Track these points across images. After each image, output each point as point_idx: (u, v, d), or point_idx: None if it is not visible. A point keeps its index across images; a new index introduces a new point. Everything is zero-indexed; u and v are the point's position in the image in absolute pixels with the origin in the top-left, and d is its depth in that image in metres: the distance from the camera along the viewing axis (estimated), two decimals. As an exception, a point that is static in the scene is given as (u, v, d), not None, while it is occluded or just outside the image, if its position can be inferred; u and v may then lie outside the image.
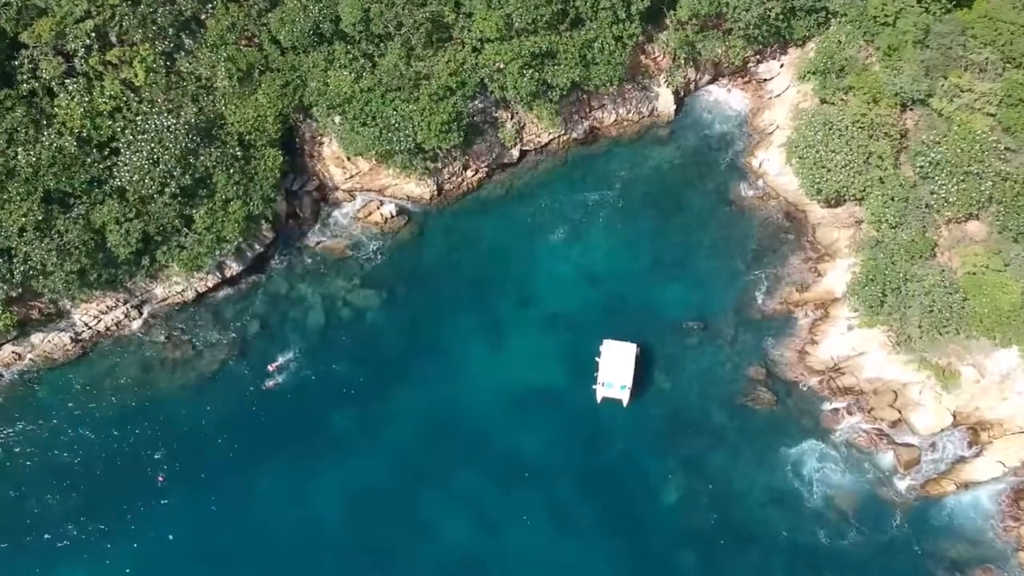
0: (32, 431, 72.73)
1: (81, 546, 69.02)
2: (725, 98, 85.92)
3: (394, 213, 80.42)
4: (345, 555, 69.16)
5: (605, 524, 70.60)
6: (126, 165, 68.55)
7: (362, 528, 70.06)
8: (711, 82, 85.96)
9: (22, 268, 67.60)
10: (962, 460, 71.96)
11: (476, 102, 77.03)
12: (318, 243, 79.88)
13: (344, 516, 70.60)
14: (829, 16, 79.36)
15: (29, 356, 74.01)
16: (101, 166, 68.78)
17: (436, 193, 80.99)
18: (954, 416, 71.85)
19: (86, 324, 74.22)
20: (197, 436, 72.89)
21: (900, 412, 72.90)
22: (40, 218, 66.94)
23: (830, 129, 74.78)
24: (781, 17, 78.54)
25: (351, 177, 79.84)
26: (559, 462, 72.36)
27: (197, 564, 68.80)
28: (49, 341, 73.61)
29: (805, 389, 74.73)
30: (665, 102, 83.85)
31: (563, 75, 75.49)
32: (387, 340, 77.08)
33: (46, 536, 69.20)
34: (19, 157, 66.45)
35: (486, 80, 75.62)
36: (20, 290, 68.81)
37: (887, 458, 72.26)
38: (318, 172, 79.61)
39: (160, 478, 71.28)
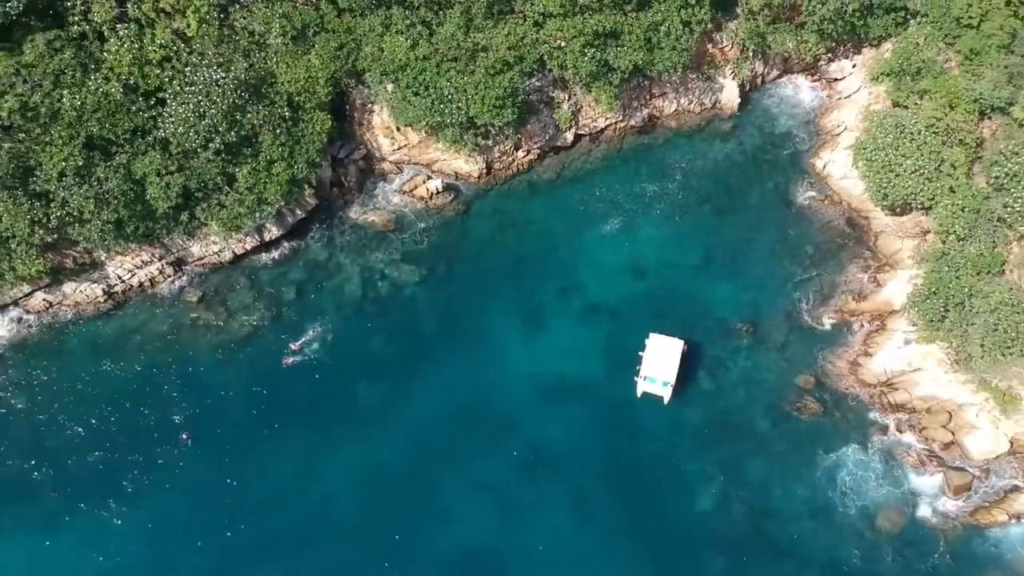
0: (59, 381, 71.44)
1: (102, 499, 67.56)
2: (792, 95, 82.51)
3: (440, 189, 78.15)
4: (359, 532, 67.15)
5: (633, 524, 67.75)
6: (171, 116, 66.82)
7: (380, 507, 67.91)
8: (779, 78, 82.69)
9: (59, 213, 66.22)
10: (1017, 490, 67.99)
11: (533, 80, 74.40)
12: (361, 214, 77.78)
13: (362, 493, 68.54)
14: (908, 16, 75.86)
15: (60, 305, 72.86)
16: (146, 115, 67.09)
17: (485, 172, 78.59)
18: (1011, 443, 67.95)
19: (120, 277, 72.81)
20: (223, 399, 71.20)
21: (954, 434, 69.15)
22: (80, 164, 65.47)
23: (901, 132, 71.30)
24: (858, 14, 75.14)
25: (399, 148, 77.67)
26: (590, 456, 69.61)
27: (213, 525, 67.01)
28: (81, 291, 72.31)
29: (854, 402, 71.26)
30: (729, 95, 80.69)
31: (626, 57, 72.67)
32: (423, 318, 74.83)
33: (68, 487, 67.81)
34: (64, 100, 64.98)
35: (545, 57, 72.99)
36: (55, 236, 67.43)
37: (936, 480, 68.57)
38: (366, 141, 77.50)
39: (184, 436, 69.69)
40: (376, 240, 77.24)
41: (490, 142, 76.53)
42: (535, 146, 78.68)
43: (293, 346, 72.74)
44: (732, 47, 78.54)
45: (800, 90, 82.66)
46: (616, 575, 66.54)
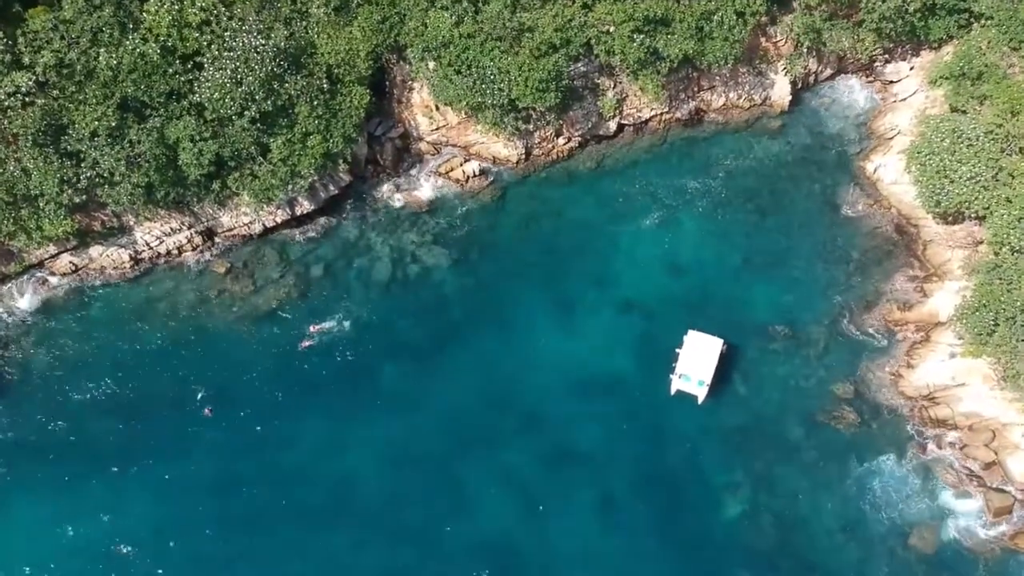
0: (81, 345, 70.32)
1: (121, 466, 66.53)
2: (845, 96, 79.67)
3: (477, 172, 76.24)
4: (379, 515, 65.39)
5: (656, 527, 65.51)
6: (208, 81, 65.40)
7: (400, 491, 66.18)
8: (832, 77, 79.89)
9: (89, 174, 65.05)
10: (1061, 516, 65.36)
11: (579, 64, 72.23)
12: (395, 193, 76.06)
13: (382, 477, 66.81)
14: (972, 18, 72.71)
15: (86, 269, 71.83)
16: (182, 79, 65.70)
17: (524, 157, 76.62)
18: (1058, 467, 65.33)
19: (147, 244, 71.62)
20: (247, 373, 69.74)
21: (996, 454, 66.22)
22: (113, 124, 64.19)
23: (959, 137, 68.35)
24: (919, 14, 72.22)
25: (438, 129, 75.87)
26: (617, 453, 67.40)
27: (231, 501, 65.78)
28: (108, 256, 71.22)
29: (893, 415, 68.53)
30: (780, 91, 78.11)
31: (676, 46, 70.36)
32: (452, 303, 72.97)
33: (86, 451, 66.70)
34: (100, 59, 63.84)
35: (593, 41, 70.79)
36: (84, 197, 66.29)
37: (975, 501, 65.66)
38: (404, 119, 75.76)
39: (207, 411, 68.45)
40: (409, 221, 75.53)
41: (530, 127, 74.51)
42: (576, 134, 76.61)
43: (314, 328, 71.16)
44: (786, 42, 75.95)
45: (853, 91, 79.79)
46: (634, 577, 64.95)
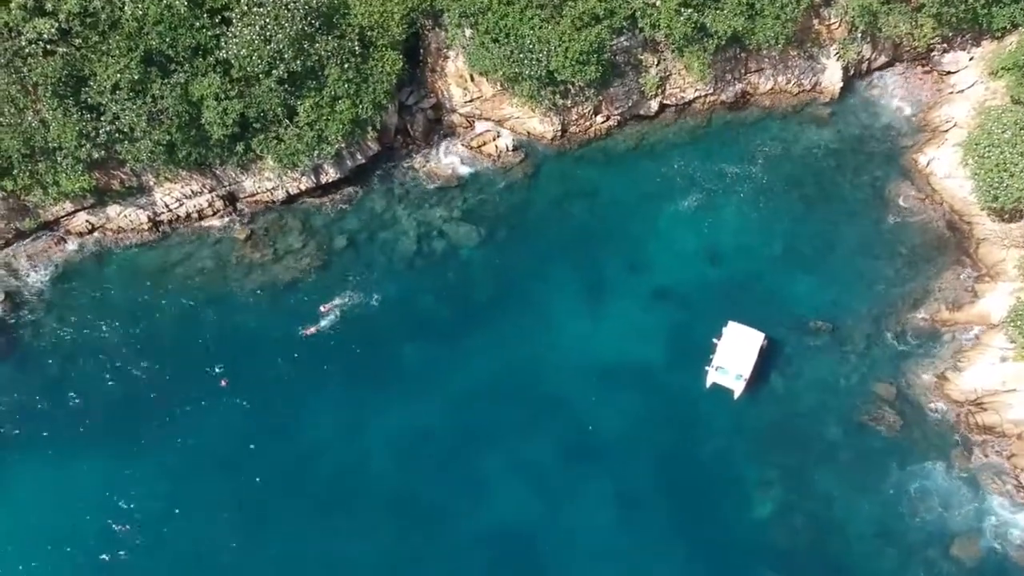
0: (95, 308, 68.02)
1: (131, 434, 64.18)
2: (899, 85, 75.97)
3: (510, 147, 73.39)
4: (393, 497, 62.61)
5: (680, 523, 62.29)
6: (235, 37, 62.70)
7: (416, 474, 63.41)
8: (887, 65, 76.17)
9: (108, 128, 62.55)
10: (1113, 533, 61.58)
11: (622, 38, 69.06)
12: (424, 166, 73.36)
13: (396, 459, 63.97)
14: (1039, 7, 69.44)
15: (103, 229, 69.66)
16: (209, 34, 63.03)
17: (559, 134, 73.61)
18: (1112, 481, 61.63)
19: (167, 206, 69.27)
20: (263, 344, 67.10)
21: (1047, 465, 62.99)
22: (136, 78, 61.60)
23: (1021, 130, 64.77)
24: (983, 1, 68.75)
25: (471, 101, 72.97)
26: (643, 445, 64.18)
27: (243, 475, 63.23)
28: (126, 216, 68.93)
29: (937, 419, 64.96)
30: (831, 77, 74.63)
31: (724, 22, 67.04)
32: (477, 281, 70.09)
33: (94, 420, 64.46)
34: (126, 8, 61.29)
35: (637, 14, 67.56)
36: (103, 153, 63.80)
37: (1022, 513, 62.34)
38: (437, 89, 72.93)
39: (223, 382, 65.96)
40: (437, 195, 72.72)
41: (568, 102, 71.47)
42: (615, 112, 73.51)
43: (334, 302, 68.49)
44: (840, 25, 72.37)
45: (908, 80, 76.05)
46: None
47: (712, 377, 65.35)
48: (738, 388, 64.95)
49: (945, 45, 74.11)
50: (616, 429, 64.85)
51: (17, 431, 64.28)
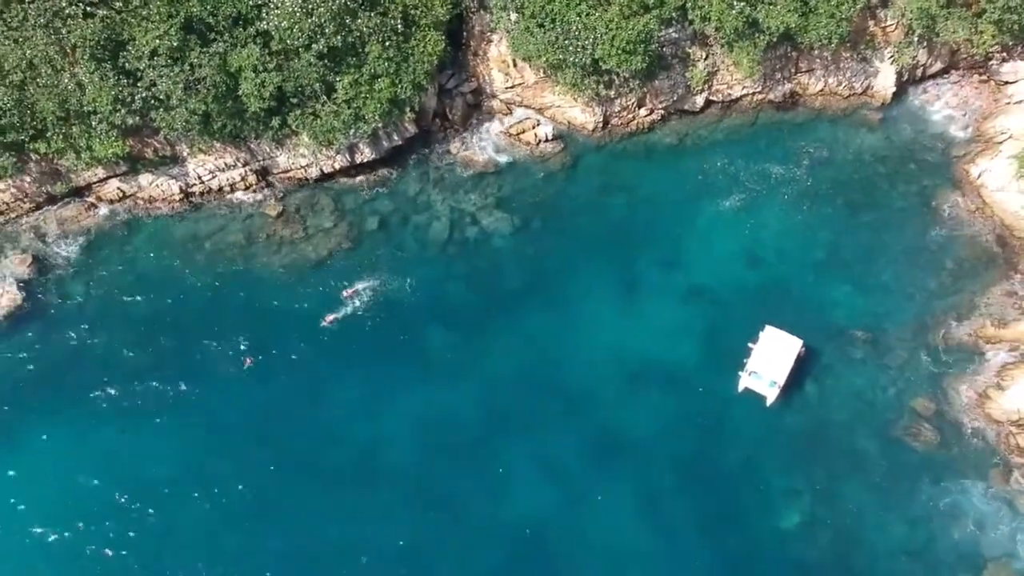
0: (121, 277, 67.36)
1: (152, 409, 62.99)
2: (954, 93, 73.76)
3: (550, 137, 71.89)
4: (407, 486, 61.22)
5: (703, 529, 60.33)
6: (277, 9, 61.77)
7: (432, 463, 61.90)
8: (942, 72, 73.98)
9: (144, 94, 61.80)
10: None
11: (670, 29, 67.47)
12: (461, 151, 72.02)
13: (417, 446, 62.54)
14: (1105, 18, 66.97)
15: (134, 198, 68.92)
16: (250, 3, 62.12)
17: (601, 125, 72.01)
18: None
19: (199, 177, 68.45)
20: (289, 322, 66.04)
21: (1089, 493, 60.56)
22: (175, 45, 60.84)
23: (1081, 143, 62.73)
24: (1048, 9, 66.57)
25: (513, 87, 71.57)
26: (669, 447, 62.43)
27: (262, 453, 62.08)
28: (157, 186, 68.19)
29: (977, 438, 62.62)
30: (884, 82, 72.48)
31: (777, 17, 65.19)
32: (508, 272, 68.70)
33: (115, 389, 63.41)
34: (168, -27, 60.97)
35: (688, 5, 66.01)
36: (138, 119, 63.10)
37: (1061, 542, 60.08)
38: (479, 73, 71.63)
39: (247, 360, 64.89)
40: (472, 182, 71.41)
41: (612, 93, 69.87)
42: (660, 105, 71.82)
43: (359, 285, 67.26)
44: (896, 28, 70.25)
45: (963, 88, 73.86)
46: (675, 582, 60.05)
47: (744, 382, 63.49)
48: (771, 395, 63.02)
49: (1004, 54, 71.88)
50: (642, 428, 63.13)
51: (37, 396, 63.53)
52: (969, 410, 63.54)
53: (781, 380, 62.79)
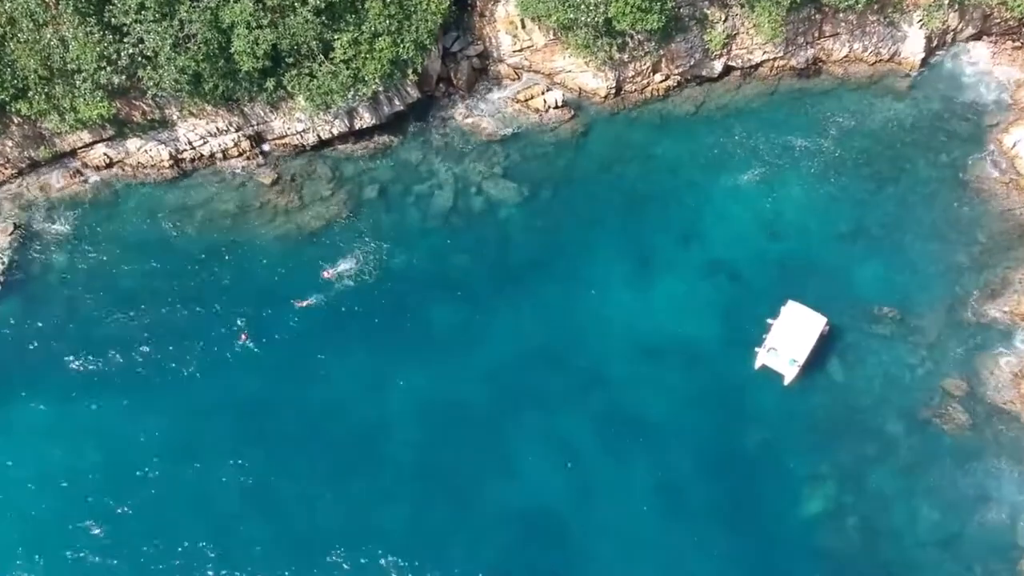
0: (109, 247, 64.00)
1: (143, 384, 59.94)
2: (986, 59, 69.99)
3: (559, 103, 68.28)
4: (409, 466, 58.01)
5: (720, 514, 56.89)
6: (271, -40, 58.75)
7: (436, 443, 58.61)
8: (973, 38, 70.25)
9: (131, 51, 58.40)
10: None
11: (688, -11, 64.29)
12: (466, 117, 68.47)
13: (419, 425, 59.25)
14: None
15: (122, 164, 65.55)
16: (243, -45, 59.08)
17: (613, 92, 68.46)
18: None
19: (190, 143, 65.04)
20: (285, 295, 62.75)
21: None
22: (164, -1, 57.87)
23: (1125, 109, 59.11)
24: (1087, -31, 63.01)
25: (521, 51, 68.02)
26: (684, 427, 58.96)
27: (260, 432, 59.09)
28: (146, 151, 64.77)
29: (1012, 420, 58.93)
30: (912, 47, 68.84)
31: (802, -25, 61.95)
32: (516, 244, 65.27)
33: (104, 365, 60.38)
34: (156, -78, 57.51)
35: (708, -39, 62.82)
36: (124, 78, 59.71)
37: (1104, 530, 56.48)
38: (485, 36, 68.04)
39: (243, 336, 61.65)
40: (478, 150, 67.89)
41: (625, 56, 66.30)
42: (676, 71, 68.25)
43: (356, 257, 64.05)
44: (926, -11, 66.94)
45: (996, 55, 70.10)
46: (695, 571, 56.34)
47: (762, 359, 59.97)
48: (790, 374, 59.48)
49: (1040, 19, 68.32)
50: (653, 408, 59.65)
51: (25, 369, 60.45)
52: (1003, 391, 59.84)
53: (801, 358, 59.27)
